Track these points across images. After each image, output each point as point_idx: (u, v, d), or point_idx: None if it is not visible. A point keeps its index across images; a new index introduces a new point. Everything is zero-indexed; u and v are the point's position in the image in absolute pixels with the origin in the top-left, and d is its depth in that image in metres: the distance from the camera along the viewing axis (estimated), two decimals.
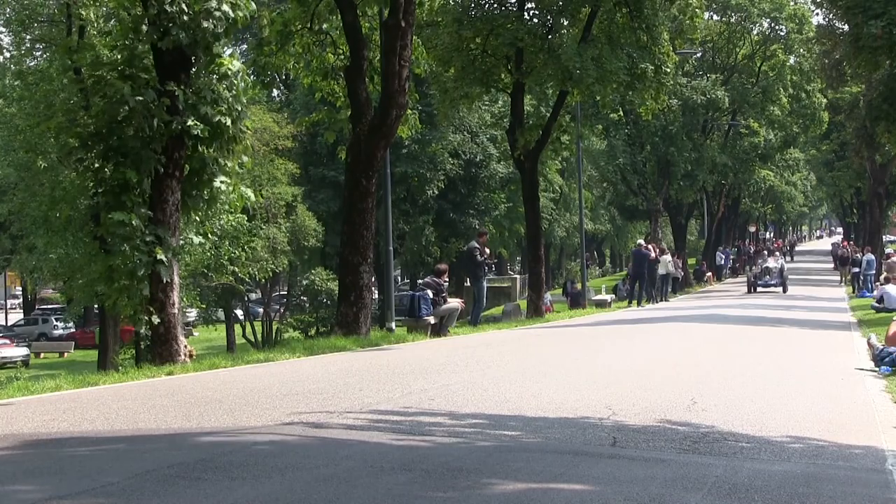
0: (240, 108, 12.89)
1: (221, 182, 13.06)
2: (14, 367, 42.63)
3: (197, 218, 13.96)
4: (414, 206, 44.92)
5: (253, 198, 14.61)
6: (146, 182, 12.41)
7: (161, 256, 12.18)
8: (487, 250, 21.51)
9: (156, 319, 12.25)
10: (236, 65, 13.08)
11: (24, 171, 28.93)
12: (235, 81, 12.83)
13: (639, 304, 32.19)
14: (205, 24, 12.24)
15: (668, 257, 35.90)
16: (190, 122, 12.25)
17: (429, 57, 22.19)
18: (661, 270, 34.23)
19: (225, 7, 12.33)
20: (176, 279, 12.67)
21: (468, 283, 21.50)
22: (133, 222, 11.94)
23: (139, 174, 12.23)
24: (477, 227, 47.00)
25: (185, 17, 12.11)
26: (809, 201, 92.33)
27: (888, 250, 41.43)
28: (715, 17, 50.61)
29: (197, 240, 14.08)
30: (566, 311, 31.49)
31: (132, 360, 26.80)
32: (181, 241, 13.50)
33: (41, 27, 28.58)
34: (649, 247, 33.88)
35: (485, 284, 21.31)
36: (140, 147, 12.20)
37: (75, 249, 26.64)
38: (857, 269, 38.36)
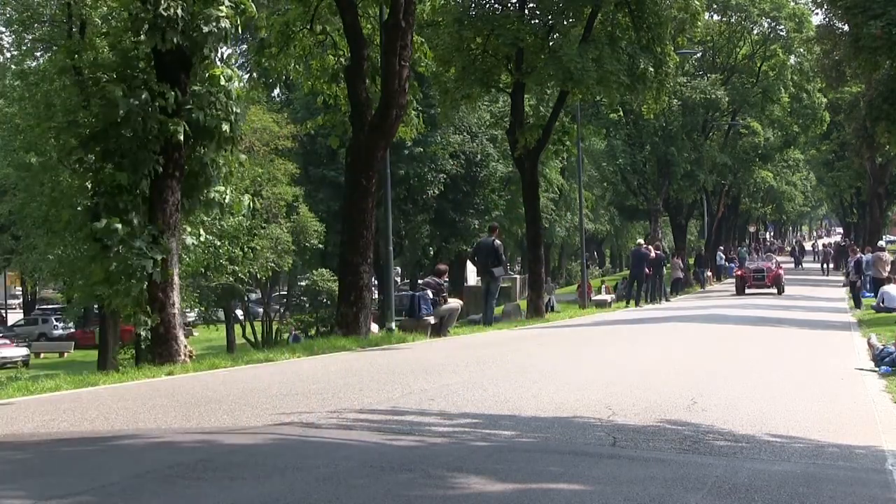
0: (237, 111, 12.88)
1: (216, 192, 13.09)
2: (14, 367, 42.61)
3: (200, 220, 13.97)
4: (414, 206, 44.89)
5: (249, 204, 14.61)
6: (144, 183, 12.41)
7: (160, 257, 12.19)
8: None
9: (154, 321, 12.24)
10: (229, 72, 13.07)
11: (24, 171, 28.90)
12: (229, 85, 12.82)
13: (637, 304, 32.19)
14: (205, 29, 12.22)
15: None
16: (184, 128, 12.23)
17: (430, 56, 22.16)
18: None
19: (223, 22, 12.30)
20: (175, 279, 12.67)
21: (472, 282, 20.93)
22: (118, 226, 11.90)
23: (134, 176, 12.23)
24: (476, 226, 47.00)
25: (183, 22, 12.09)
26: (809, 201, 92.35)
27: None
28: (715, 17, 50.61)
29: (191, 240, 14.06)
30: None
31: (132, 360, 26.81)
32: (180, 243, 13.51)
33: (42, 27, 28.56)
34: (649, 247, 33.87)
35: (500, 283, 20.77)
36: (137, 148, 12.21)
37: (75, 250, 26.60)
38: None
